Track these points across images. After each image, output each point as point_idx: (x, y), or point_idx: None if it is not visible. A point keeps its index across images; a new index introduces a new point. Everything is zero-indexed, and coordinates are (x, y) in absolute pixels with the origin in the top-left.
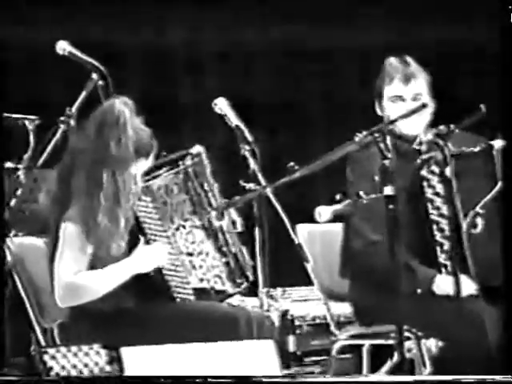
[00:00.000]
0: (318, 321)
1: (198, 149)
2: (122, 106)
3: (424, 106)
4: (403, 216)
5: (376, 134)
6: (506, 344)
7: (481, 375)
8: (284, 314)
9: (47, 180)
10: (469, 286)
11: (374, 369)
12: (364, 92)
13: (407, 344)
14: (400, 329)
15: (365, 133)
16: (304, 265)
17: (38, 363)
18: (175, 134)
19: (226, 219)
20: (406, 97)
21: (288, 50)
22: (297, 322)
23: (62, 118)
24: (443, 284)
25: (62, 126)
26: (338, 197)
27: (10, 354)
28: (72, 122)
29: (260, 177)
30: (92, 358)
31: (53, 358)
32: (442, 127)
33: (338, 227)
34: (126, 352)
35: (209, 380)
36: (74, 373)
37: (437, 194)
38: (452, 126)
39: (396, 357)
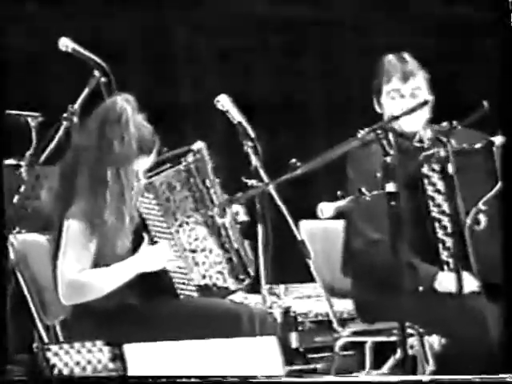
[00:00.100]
0: (320, 317)
1: (199, 145)
2: (125, 103)
3: (426, 102)
4: (405, 213)
5: (378, 131)
6: (508, 341)
7: (483, 372)
8: (286, 310)
9: (49, 177)
10: (471, 283)
11: (376, 365)
12: (365, 90)
13: (410, 341)
14: (402, 326)
15: (367, 130)
16: (307, 261)
17: (40, 360)
18: (177, 131)
19: (229, 215)
20: (405, 94)
21: (288, 49)
22: (299, 319)
23: (64, 115)
24: (445, 281)
25: (65, 123)
26: (338, 194)
27: (13, 351)
28: (75, 119)
29: (262, 173)
30: (95, 355)
31: (56, 354)
32: (444, 124)
33: (341, 224)
34: (129, 349)
35: (209, 380)
36: (76, 370)
37: (438, 191)
38: (454, 123)
39: (399, 353)
